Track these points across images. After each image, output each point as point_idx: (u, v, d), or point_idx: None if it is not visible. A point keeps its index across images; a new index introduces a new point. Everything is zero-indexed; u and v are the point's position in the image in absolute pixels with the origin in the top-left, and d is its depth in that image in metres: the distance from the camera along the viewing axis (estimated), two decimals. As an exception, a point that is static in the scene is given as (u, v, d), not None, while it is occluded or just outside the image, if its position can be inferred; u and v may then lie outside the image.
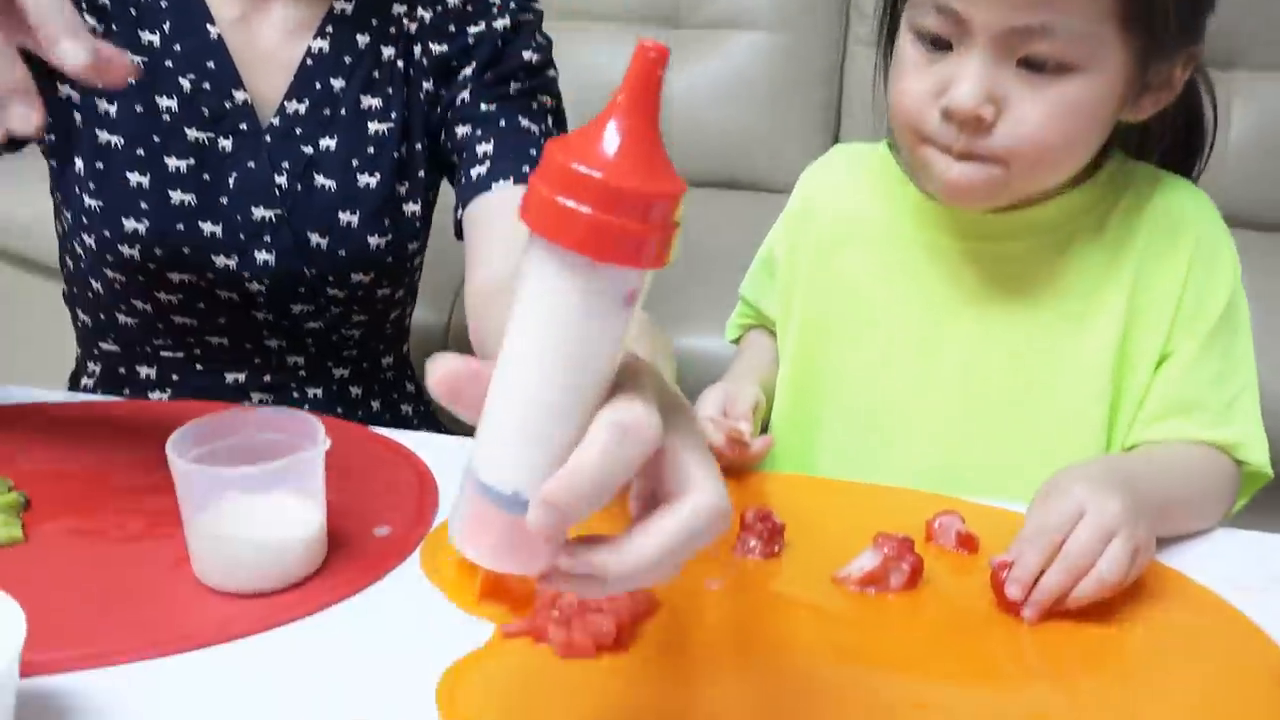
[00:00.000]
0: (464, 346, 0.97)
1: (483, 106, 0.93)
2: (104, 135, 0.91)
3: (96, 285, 0.95)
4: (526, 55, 0.94)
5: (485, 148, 0.92)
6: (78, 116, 0.92)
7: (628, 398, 0.41)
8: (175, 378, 0.98)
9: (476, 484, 0.42)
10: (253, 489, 0.65)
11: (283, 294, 0.94)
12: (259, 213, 0.92)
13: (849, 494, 0.82)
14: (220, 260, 0.92)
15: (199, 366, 0.97)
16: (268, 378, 0.98)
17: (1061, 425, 0.84)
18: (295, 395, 0.99)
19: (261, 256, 0.93)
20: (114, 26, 0.91)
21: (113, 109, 0.91)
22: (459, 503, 0.43)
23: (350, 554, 0.70)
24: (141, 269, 0.92)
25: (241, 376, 0.98)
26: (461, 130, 0.94)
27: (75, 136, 0.92)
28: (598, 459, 0.40)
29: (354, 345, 1.01)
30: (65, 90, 0.91)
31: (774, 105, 1.91)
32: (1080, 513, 0.66)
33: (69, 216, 0.94)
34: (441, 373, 0.42)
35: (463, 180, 0.93)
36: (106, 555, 0.69)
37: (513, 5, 0.95)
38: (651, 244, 0.40)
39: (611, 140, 0.40)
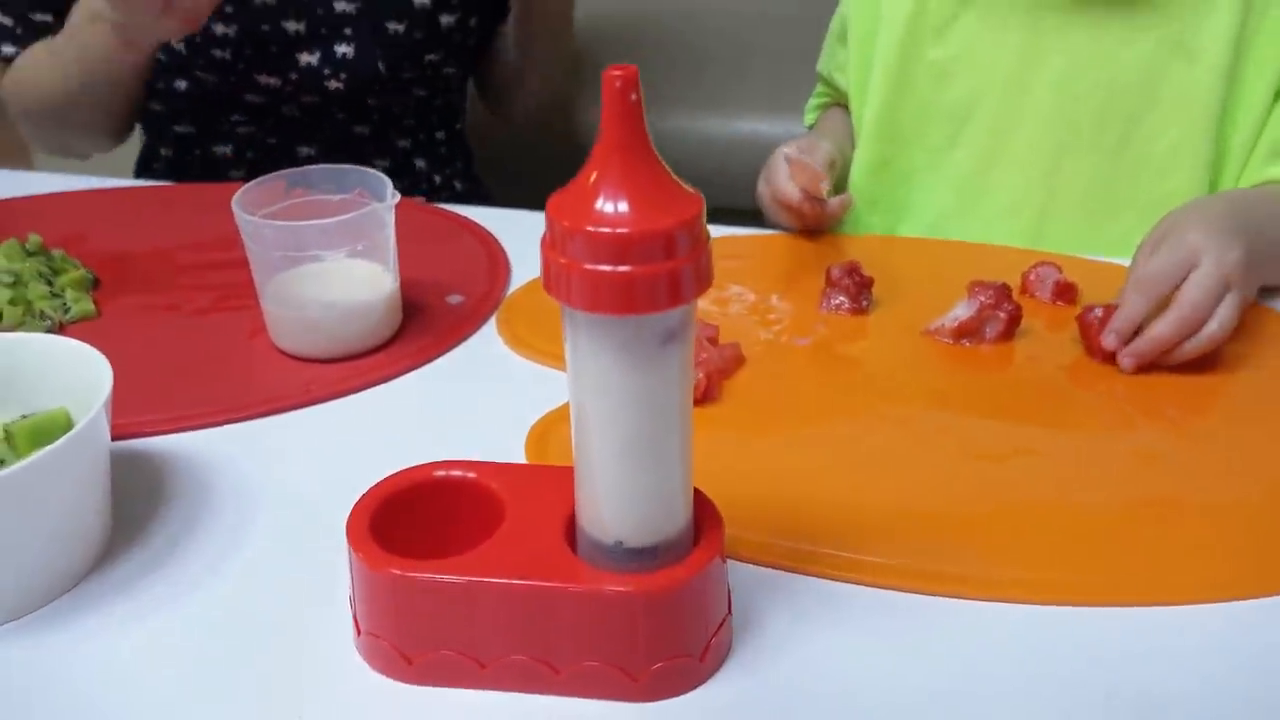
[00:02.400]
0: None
1: None
2: None
3: (180, 83, 0.94)
4: None
5: None
6: None
7: None
8: (250, 155, 0.97)
9: (584, 534, 0.43)
10: (324, 245, 0.63)
11: (360, 87, 0.95)
12: (340, 6, 0.92)
13: (940, 250, 0.78)
14: (304, 58, 0.92)
15: (271, 140, 0.97)
16: (337, 149, 0.98)
17: (1162, 166, 0.79)
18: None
19: (341, 49, 0.93)
20: None
21: None
22: (582, 545, 0.43)
23: (426, 321, 0.69)
24: (231, 69, 0.92)
25: (313, 150, 0.98)
26: None
27: None
28: None
29: (412, 114, 1.01)
30: None
31: None
32: (1195, 260, 0.62)
33: None
34: None
35: None
36: (182, 327, 0.69)
37: None
38: (681, 278, 0.38)
39: (610, 188, 0.38)
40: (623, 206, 0.37)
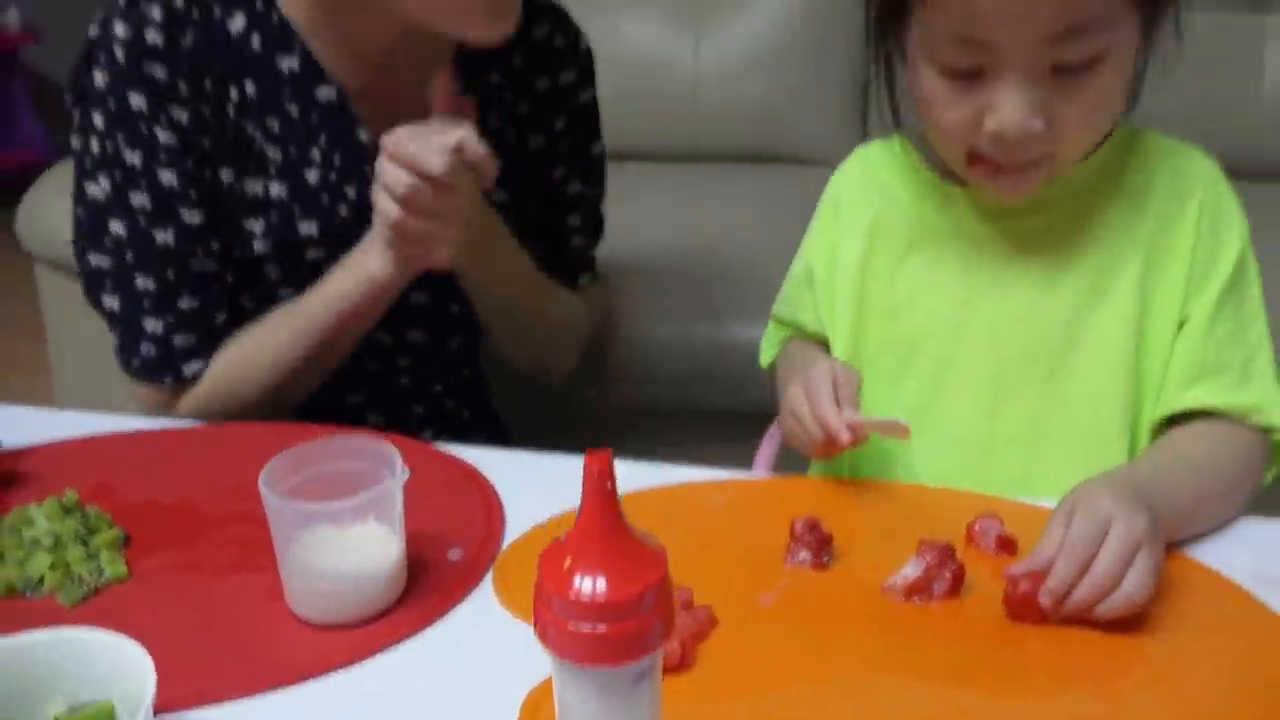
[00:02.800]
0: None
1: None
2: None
3: None
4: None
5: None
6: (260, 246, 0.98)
7: None
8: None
9: None
10: (340, 521, 0.71)
11: (428, 363, 1.06)
12: (416, 298, 1.02)
13: (892, 497, 0.86)
14: (378, 336, 1.01)
15: (325, 396, 1.04)
16: (381, 401, 1.07)
17: (1087, 403, 0.88)
18: (402, 414, 1.08)
19: (413, 334, 1.04)
20: (290, 149, 0.95)
21: (312, 229, 0.97)
22: None
23: (428, 580, 0.75)
24: None
25: (360, 398, 1.06)
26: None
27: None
28: None
29: (448, 362, 1.11)
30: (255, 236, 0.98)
31: (801, 74, 1.92)
32: (1108, 526, 0.70)
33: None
34: None
35: None
36: (205, 590, 0.75)
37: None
38: (649, 632, 0.46)
39: (588, 563, 0.46)
40: (600, 581, 0.45)
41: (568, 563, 0.46)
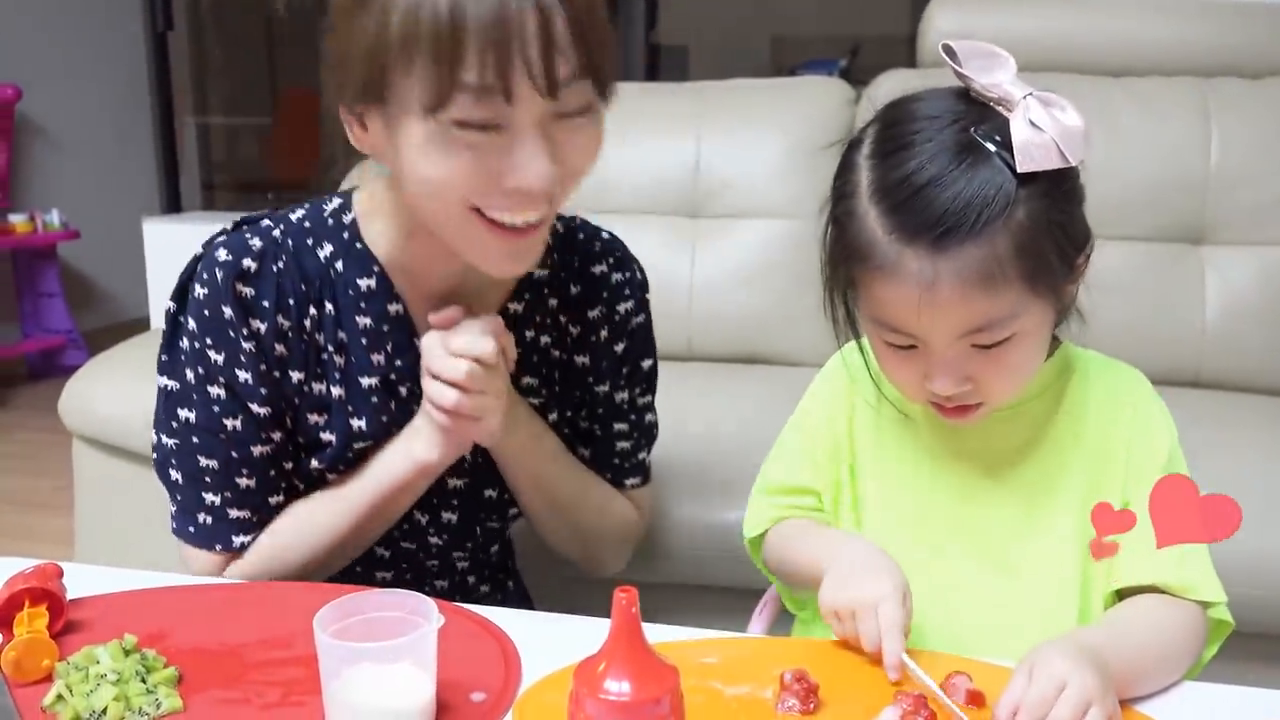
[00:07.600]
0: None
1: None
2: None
3: None
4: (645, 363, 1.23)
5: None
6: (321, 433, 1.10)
7: None
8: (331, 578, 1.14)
9: None
10: (381, 659, 0.80)
11: (458, 543, 1.17)
12: (452, 482, 1.13)
13: (872, 654, 0.95)
14: (416, 515, 1.13)
15: (357, 569, 1.16)
16: (408, 576, 1.17)
17: (1042, 579, 0.99)
18: (426, 589, 1.15)
19: (447, 516, 1.14)
20: (351, 358, 1.08)
21: (362, 423, 1.09)
22: None
23: (454, 719, 0.84)
24: None
25: (389, 575, 1.17)
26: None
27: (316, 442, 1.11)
28: None
29: (475, 540, 1.21)
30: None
31: (788, 285, 2.11)
32: (1063, 684, 0.79)
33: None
34: None
35: None
36: (254, 722, 0.83)
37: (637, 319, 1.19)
38: None
39: (615, 670, 0.59)
40: (625, 684, 0.56)
41: (600, 668, 0.57)
